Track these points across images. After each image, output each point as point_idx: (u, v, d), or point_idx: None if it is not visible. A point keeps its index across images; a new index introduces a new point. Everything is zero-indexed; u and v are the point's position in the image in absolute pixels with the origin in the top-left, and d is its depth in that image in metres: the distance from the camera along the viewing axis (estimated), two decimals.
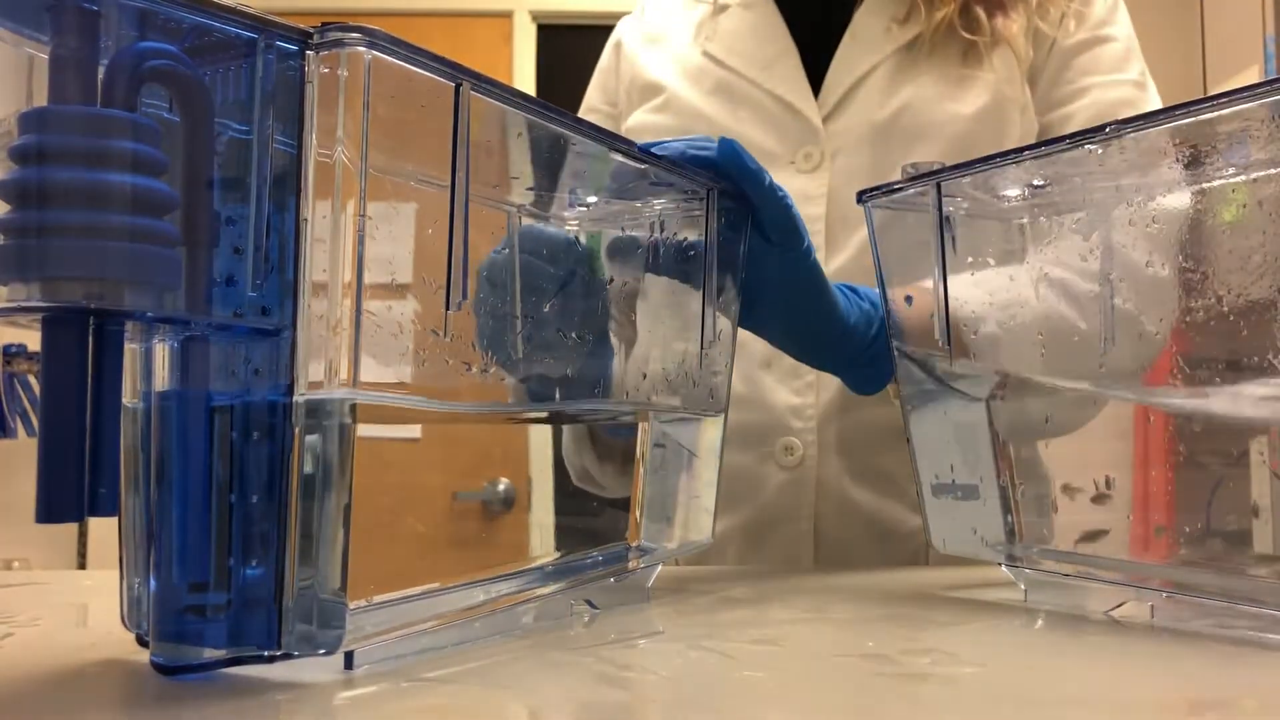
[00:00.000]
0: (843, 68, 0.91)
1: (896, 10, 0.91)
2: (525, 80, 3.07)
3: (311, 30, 0.37)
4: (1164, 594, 0.52)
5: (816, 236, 0.88)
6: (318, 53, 0.37)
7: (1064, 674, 0.42)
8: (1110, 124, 0.50)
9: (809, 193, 0.88)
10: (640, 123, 0.96)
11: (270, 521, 0.37)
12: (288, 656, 0.38)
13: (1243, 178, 0.51)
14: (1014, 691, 0.39)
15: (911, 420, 0.64)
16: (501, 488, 0.56)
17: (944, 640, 0.48)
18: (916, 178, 0.60)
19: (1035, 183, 0.58)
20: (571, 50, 3.07)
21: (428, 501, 0.52)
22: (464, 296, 0.42)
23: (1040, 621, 0.53)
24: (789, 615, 0.55)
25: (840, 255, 0.87)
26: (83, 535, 2.78)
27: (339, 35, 0.37)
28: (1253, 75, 2.56)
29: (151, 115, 0.35)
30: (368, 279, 0.38)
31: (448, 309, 0.42)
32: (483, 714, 0.36)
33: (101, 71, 0.33)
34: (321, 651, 0.38)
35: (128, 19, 0.34)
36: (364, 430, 0.39)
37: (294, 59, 0.37)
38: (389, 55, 0.38)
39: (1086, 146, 0.52)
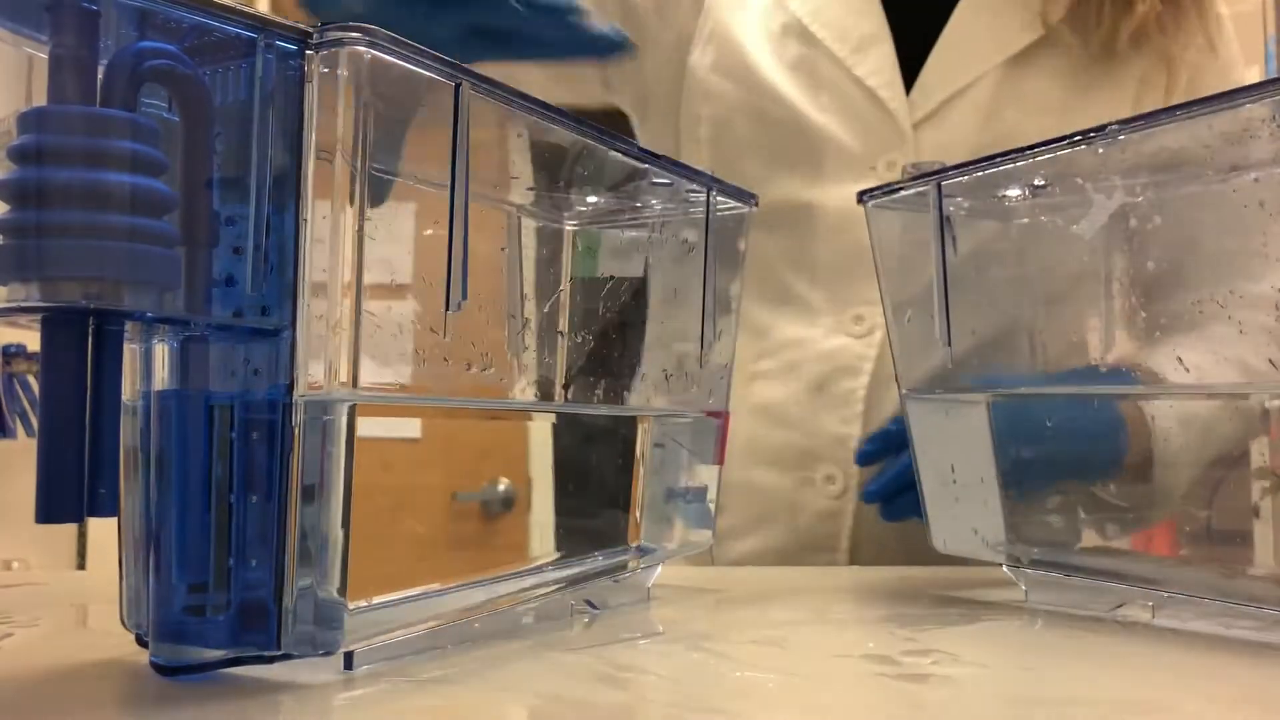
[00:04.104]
0: (943, 70, 0.80)
1: (1011, 8, 0.79)
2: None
3: (311, 29, 0.37)
4: (1165, 594, 0.52)
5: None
6: (318, 52, 0.37)
7: (1065, 674, 0.41)
8: (1111, 124, 0.50)
9: None
10: (703, 81, 0.85)
11: (270, 522, 0.37)
12: (287, 657, 0.38)
13: (1243, 177, 0.51)
14: (1015, 692, 0.39)
15: (913, 420, 0.64)
16: (501, 488, 0.56)
17: (945, 641, 0.48)
18: (917, 177, 0.60)
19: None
20: None
21: (427, 502, 0.52)
22: (463, 297, 0.42)
23: (1041, 622, 0.53)
24: (789, 616, 0.55)
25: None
26: (82, 535, 2.78)
27: (339, 34, 0.37)
28: (1253, 75, 2.56)
29: (151, 115, 0.35)
30: (368, 279, 0.38)
31: (447, 309, 0.42)
32: (483, 714, 0.36)
33: (101, 71, 0.33)
34: (322, 652, 0.38)
35: (127, 18, 0.34)
36: (364, 430, 0.39)
37: (294, 58, 0.37)
38: (388, 55, 0.38)
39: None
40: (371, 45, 0.37)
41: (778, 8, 0.84)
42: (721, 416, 0.66)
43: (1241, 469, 0.51)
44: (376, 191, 0.43)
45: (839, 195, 0.81)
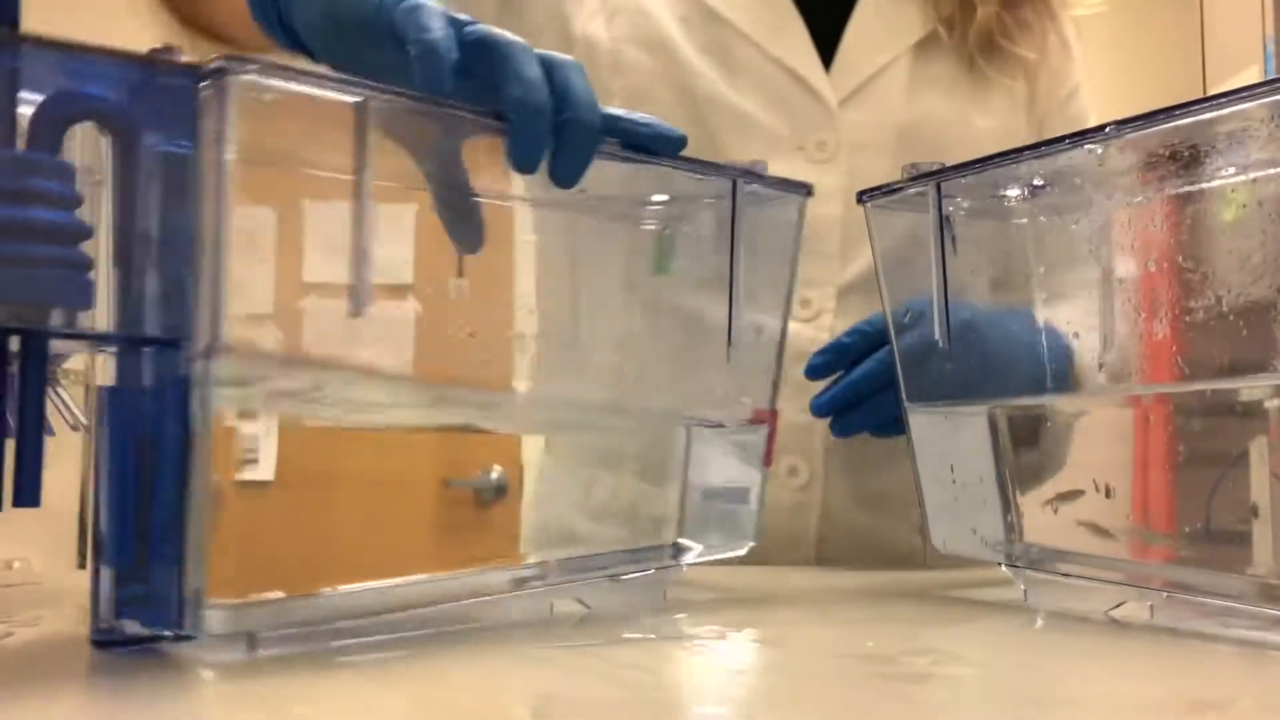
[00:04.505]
0: (859, 49, 0.80)
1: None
2: None
3: (204, 62, 0.40)
4: (1164, 594, 0.52)
5: (830, 242, 0.79)
6: (214, 80, 0.39)
7: (1064, 674, 0.42)
8: (1110, 124, 0.50)
9: (822, 188, 0.74)
10: (614, 53, 0.81)
11: (177, 514, 0.39)
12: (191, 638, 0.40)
13: (1243, 177, 0.51)
14: (1014, 691, 0.39)
15: (912, 421, 0.64)
16: (494, 475, 0.56)
17: (944, 640, 0.48)
18: (917, 178, 0.60)
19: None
20: None
21: (418, 491, 0.52)
22: (366, 303, 0.44)
23: (1040, 621, 0.53)
24: (789, 615, 0.55)
25: (856, 263, 0.80)
26: (83, 535, 2.78)
27: (227, 65, 0.39)
28: (1253, 75, 2.56)
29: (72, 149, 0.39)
30: (275, 286, 0.43)
31: (353, 314, 0.44)
32: (483, 714, 0.36)
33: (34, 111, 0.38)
34: (213, 636, 0.40)
35: (47, 65, 0.38)
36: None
37: (190, 92, 0.40)
38: (280, 81, 0.41)
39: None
40: (260, 73, 0.40)
41: None
42: (767, 417, 0.63)
43: (1241, 468, 0.51)
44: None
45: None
